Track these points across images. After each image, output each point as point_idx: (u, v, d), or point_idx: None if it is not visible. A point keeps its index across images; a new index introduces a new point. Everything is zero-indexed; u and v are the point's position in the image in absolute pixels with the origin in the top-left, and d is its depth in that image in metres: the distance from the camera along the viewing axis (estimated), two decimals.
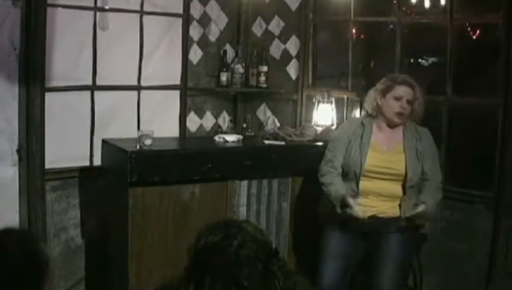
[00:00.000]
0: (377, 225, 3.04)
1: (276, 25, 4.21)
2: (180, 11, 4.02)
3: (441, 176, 3.15)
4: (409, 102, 3.09)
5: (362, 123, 3.21)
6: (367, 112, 3.25)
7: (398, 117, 3.10)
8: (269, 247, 1.53)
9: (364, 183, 3.09)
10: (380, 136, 3.16)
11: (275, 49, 4.21)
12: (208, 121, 4.25)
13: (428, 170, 3.09)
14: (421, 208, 2.95)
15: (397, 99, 3.08)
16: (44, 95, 3.33)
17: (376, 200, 3.09)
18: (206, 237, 1.51)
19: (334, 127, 3.80)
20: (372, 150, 3.12)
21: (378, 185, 3.08)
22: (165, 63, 4.00)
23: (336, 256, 3.07)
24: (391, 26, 3.87)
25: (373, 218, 3.07)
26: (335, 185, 3.11)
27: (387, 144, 3.15)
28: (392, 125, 3.15)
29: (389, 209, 3.08)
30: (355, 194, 3.02)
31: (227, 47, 4.23)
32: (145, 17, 3.85)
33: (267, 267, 1.48)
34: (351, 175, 3.12)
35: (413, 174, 3.06)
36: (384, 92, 3.13)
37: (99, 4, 3.62)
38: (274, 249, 1.54)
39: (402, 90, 3.08)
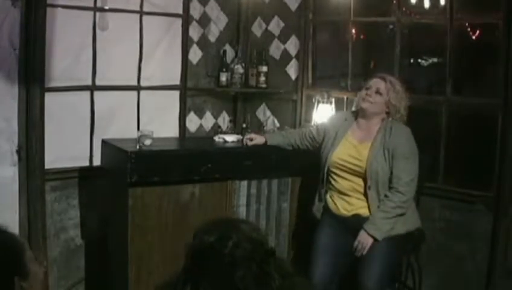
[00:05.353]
0: (360, 223, 3.04)
1: (276, 25, 4.21)
2: (180, 11, 4.03)
3: (408, 177, 3.00)
4: (378, 92, 3.12)
5: (345, 119, 3.28)
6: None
7: (363, 102, 3.14)
8: (265, 247, 1.51)
9: (340, 181, 3.12)
10: (356, 130, 3.21)
11: (275, 49, 4.22)
12: (208, 121, 4.25)
13: (395, 169, 3.02)
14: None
15: (367, 89, 3.16)
16: (44, 95, 3.32)
17: (355, 198, 3.10)
18: (201, 237, 1.50)
19: None
20: (343, 144, 3.16)
21: (354, 182, 3.10)
22: (165, 63, 4.00)
23: (325, 252, 3.11)
24: (391, 26, 3.87)
25: (357, 216, 3.09)
26: None
27: (360, 138, 3.17)
28: (365, 116, 3.17)
29: (365, 207, 3.08)
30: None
31: (227, 47, 4.24)
32: (145, 17, 3.85)
33: (262, 268, 1.46)
34: (322, 167, 3.18)
35: (371, 170, 3.03)
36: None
37: (99, 4, 3.62)
38: (270, 248, 1.52)
39: (372, 81, 3.18)
